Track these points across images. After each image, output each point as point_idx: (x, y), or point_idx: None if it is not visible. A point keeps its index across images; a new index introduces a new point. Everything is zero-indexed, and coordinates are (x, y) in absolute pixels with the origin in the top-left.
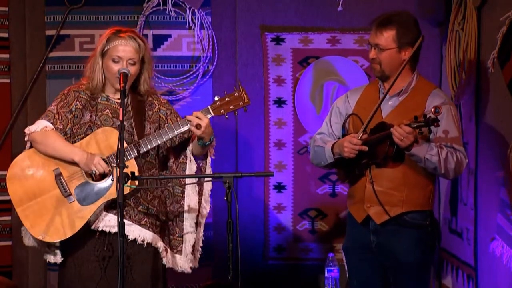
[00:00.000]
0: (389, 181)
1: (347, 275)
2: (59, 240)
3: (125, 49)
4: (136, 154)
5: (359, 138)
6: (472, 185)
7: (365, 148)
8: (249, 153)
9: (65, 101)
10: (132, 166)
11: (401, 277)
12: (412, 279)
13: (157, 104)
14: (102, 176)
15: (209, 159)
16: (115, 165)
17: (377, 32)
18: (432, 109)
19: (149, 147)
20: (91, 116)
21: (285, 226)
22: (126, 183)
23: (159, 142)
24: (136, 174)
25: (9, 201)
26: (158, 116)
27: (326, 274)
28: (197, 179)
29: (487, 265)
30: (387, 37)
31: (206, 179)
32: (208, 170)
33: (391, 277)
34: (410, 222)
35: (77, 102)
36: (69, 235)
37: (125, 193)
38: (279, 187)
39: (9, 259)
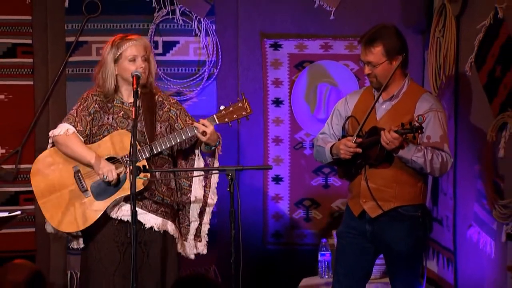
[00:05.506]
0: (381, 179)
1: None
2: (73, 231)
3: (138, 48)
4: (148, 155)
5: (353, 141)
6: (451, 177)
7: (359, 150)
8: (249, 148)
9: (84, 104)
10: (143, 163)
11: (393, 264)
12: (404, 266)
13: (166, 104)
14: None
15: (217, 156)
16: (128, 161)
17: (366, 51)
18: (416, 118)
19: (159, 150)
20: (108, 118)
21: (282, 214)
22: (138, 175)
23: (168, 145)
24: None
25: (33, 192)
26: (168, 116)
27: (320, 258)
28: (203, 172)
29: (465, 250)
30: (376, 53)
31: (213, 172)
32: (216, 165)
33: (386, 264)
34: (402, 214)
35: (96, 105)
36: (82, 227)
37: (139, 188)
38: (277, 179)
39: (33, 244)
